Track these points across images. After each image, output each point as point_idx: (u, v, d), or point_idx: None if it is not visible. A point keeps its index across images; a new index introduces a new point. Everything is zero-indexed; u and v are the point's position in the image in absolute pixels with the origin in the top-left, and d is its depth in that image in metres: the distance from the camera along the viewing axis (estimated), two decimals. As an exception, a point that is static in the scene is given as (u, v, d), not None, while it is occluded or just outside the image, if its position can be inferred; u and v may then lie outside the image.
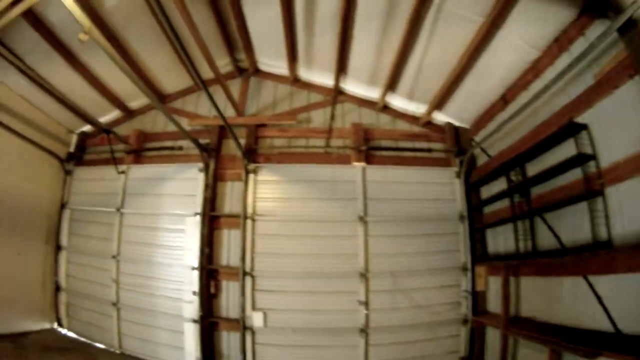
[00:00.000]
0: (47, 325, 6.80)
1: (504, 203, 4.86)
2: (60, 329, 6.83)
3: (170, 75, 6.31)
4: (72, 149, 7.07)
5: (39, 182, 6.67)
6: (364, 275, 5.26)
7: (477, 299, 5.24)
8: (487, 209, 5.39)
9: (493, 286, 5.09)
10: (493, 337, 4.99)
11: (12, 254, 6.17)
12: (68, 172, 7.01)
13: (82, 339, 6.48)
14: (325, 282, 5.31)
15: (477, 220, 5.44)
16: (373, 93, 5.88)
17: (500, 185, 4.97)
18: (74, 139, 7.18)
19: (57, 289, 6.88)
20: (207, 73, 5.73)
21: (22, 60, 4.98)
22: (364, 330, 5.17)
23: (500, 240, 5.12)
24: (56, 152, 6.81)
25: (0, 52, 4.47)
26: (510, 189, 4.53)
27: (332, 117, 4.86)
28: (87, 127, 7.14)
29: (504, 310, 4.45)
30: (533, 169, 4.23)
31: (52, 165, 6.87)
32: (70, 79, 5.71)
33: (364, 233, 5.38)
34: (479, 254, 5.36)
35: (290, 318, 5.31)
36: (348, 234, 5.40)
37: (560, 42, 3.63)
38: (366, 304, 5.23)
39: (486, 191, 5.42)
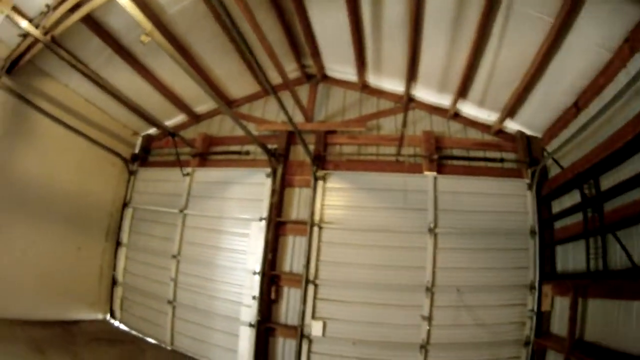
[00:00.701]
0: (99, 317, 6.98)
1: (575, 218, 4.52)
2: (112, 321, 7.01)
3: (236, 81, 6.42)
4: (136, 151, 7.34)
5: (103, 181, 6.93)
6: (430, 290, 5.03)
7: (542, 319, 4.89)
8: (558, 224, 5.04)
9: (558, 306, 4.73)
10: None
11: (73, 248, 6.40)
12: (132, 173, 7.26)
13: (134, 333, 6.61)
14: (389, 295, 5.14)
15: (547, 236, 5.11)
16: (444, 100, 5.72)
17: (572, 198, 4.64)
18: (139, 141, 7.45)
19: (114, 282, 7.07)
20: (274, 79, 5.81)
21: (85, 64, 5.15)
22: (424, 347, 4.93)
23: (570, 257, 4.77)
24: (121, 153, 7.07)
25: (64, 57, 4.61)
26: (582, 203, 4.20)
27: (404, 124, 4.74)
28: (152, 130, 7.41)
29: (570, 333, 4.10)
30: (607, 181, 3.91)
31: (116, 165, 7.13)
32: (134, 83, 5.90)
33: (432, 245, 5.16)
34: (547, 271, 5.02)
35: (350, 329, 5.15)
36: (416, 246, 5.20)
37: (632, 42, 3.36)
38: (429, 319, 4.99)
39: (558, 205, 5.07)
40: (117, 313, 6.99)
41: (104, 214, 7.04)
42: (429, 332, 4.98)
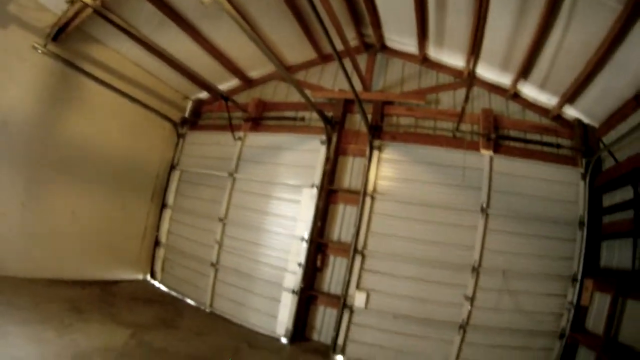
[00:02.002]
0: (139, 277, 7.20)
1: (625, 215, 4.34)
2: (152, 282, 7.21)
3: (292, 48, 6.35)
4: (186, 114, 7.44)
5: (151, 144, 7.09)
6: (476, 270, 4.91)
7: (579, 313, 4.72)
8: (607, 219, 4.84)
9: (596, 303, 4.56)
10: (583, 357, 4.48)
11: (117, 207, 6.60)
12: (181, 136, 7.37)
13: (173, 294, 6.75)
14: (435, 271, 5.05)
15: (595, 229, 4.90)
16: (504, 79, 5.48)
17: (624, 194, 4.46)
18: (189, 105, 7.56)
19: (157, 243, 7.26)
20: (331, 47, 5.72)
21: (137, 29, 5.12)
22: (463, 327, 4.85)
23: (615, 254, 4.59)
24: (171, 117, 7.18)
25: (115, 21, 4.64)
26: (635, 200, 4.02)
27: (466, 100, 4.56)
28: (203, 94, 7.48)
29: (605, 331, 3.97)
30: None
31: (165, 128, 7.27)
32: (187, 48, 5.89)
33: (483, 225, 5.00)
34: (591, 265, 4.83)
35: (393, 303, 5.11)
36: (467, 225, 5.06)
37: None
38: (472, 299, 4.90)
39: (608, 199, 4.88)
40: (158, 274, 7.20)
41: (150, 176, 7.24)
42: (469, 312, 4.90)
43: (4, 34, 4.62)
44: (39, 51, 4.82)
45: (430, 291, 5.04)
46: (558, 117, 5.45)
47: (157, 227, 7.29)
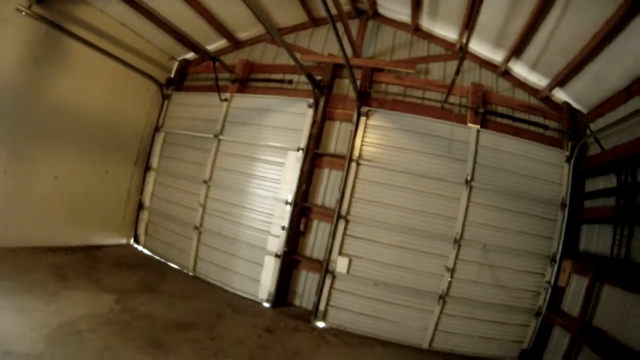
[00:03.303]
0: (123, 241, 7.16)
1: (606, 201, 4.54)
2: (136, 246, 7.18)
3: (282, 10, 6.16)
4: (172, 75, 7.22)
5: (136, 105, 6.90)
6: (457, 241, 5.04)
7: (556, 294, 4.95)
8: (588, 204, 5.03)
9: (574, 285, 4.78)
10: (558, 337, 4.71)
11: (101, 171, 6.48)
12: (166, 97, 7.18)
13: (157, 257, 6.76)
14: (418, 240, 5.15)
15: (576, 212, 5.09)
16: (496, 56, 5.48)
17: (606, 182, 4.64)
18: (175, 66, 7.32)
19: (140, 207, 7.18)
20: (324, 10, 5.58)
21: None
22: (443, 298, 5.02)
23: (594, 239, 4.79)
24: (156, 77, 6.97)
25: None
26: (617, 189, 4.19)
27: (457, 72, 4.54)
28: (189, 55, 7.25)
29: (581, 314, 4.16)
30: None
31: (150, 89, 7.06)
32: (175, 6, 5.67)
33: (466, 197, 5.12)
34: (570, 247, 5.02)
35: (374, 269, 5.21)
36: (451, 196, 5.16)
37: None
38: (452, 271, 5.05)
39: (591, 184, 5.06)
40: (142, 238, 7.16)
41: (134, 138, 7.07)
42: (450, 283, 5.07)
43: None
44: (23, 13, 4.64)
45: (412, 260, 5.16)
46: (547, 99, 5.53)
47: (141, 190, 7.20)
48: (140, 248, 7.08)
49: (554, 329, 4.84)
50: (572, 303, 4.68)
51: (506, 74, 5.63)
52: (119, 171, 6.83)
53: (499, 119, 5.43)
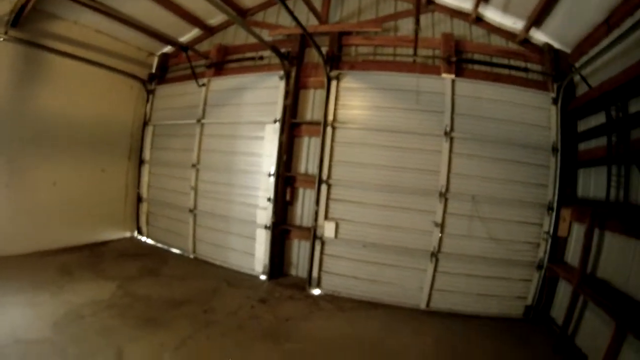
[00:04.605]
0: (127, 235, 7.48)
1: (600, 142, 4.29)
2: (139, 237, 7.49)
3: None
4: (153, 70, 7.45)
5: (122, 104, 7.18)
6: (443, 195, 4.93)
7: (558, 245, 4.73)
8: (582, 146, 4.79)
9: (576, 234, 4.53)
10: (564, 291, 4.52)
11: (97, 171, 6.79)
12: (150, 92, 7.42)
13: (159, 245, 7.05)
14: (402, 198, 5.09)
15: (570, 157, 4.85)
16: (465, 3, 5.38)
17: (598, 120, 4.39)
18: (155, 61, 7.55)
19: (139, 199, 7.48)
20: None
21: None
22: (435, 255, 4.94)
23: (591, 183, 4.56)
24: (138, 75, 7.22)
25: None
26: (607, 125, 3.96)
27: (417, 22, 4.49)
28: (167, 48, 7.46)
29: (581, 264, 3.89)
30: (635, 107, 3.64)
31: (134, 87, 7.32)
32: (142, 5, 5.84)
33: (448, 149, 5.00)
34: (568, 195, 4.79)
35: (363, 231, 5.22)
36: (431, 149, 5.06)
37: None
38: (442, 226, 4.95)
39: (583, 125, 4.81)
40: (144, 229, 7.47)
41: (125, 135, 7.37)
42: (440, 239, 4.97)
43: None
44: (0, 39, 4.93)
45: (399, 218, 5.11)
46: (526, 42, 5.32)
47: (138, 184, 7.50)
48: (143, 239, 7.40)
49: (560, 283, 4.65)
50: (575, 254, 4.38)
51: (479, 21, 5.48)
52: (114, 169, 7.15)
53: (476, 66, 5.28)
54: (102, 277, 5.03)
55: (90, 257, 5.87)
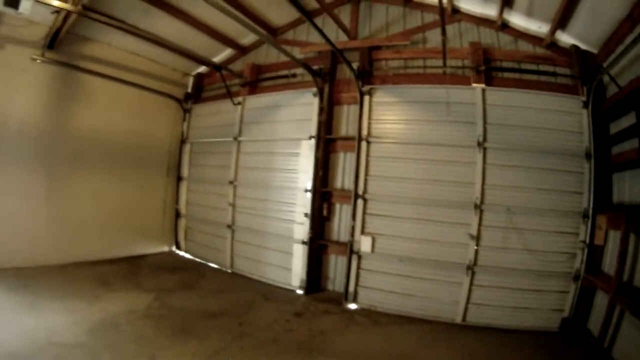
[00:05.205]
0: (165, 249, 7.77)
1: (632, 143, 4.05)
2: (177, 252, 7.76)
3: (276, 9, 6.42)
4: (189, 90, 7.81)
5: (159, 123, 7.53)
6: (478, 207, 4.83)
7: (594, 254, 4.50)
8: (615, 149, 4.56)
9: (612, 242, 4.30)
10: (601, 302, 4.28)
11: (135, 187, 7.12)
12: (186, 111, 7.77)
13: (197, 260, 7.27)
14: (437, 211, 5.04)
15: (604, 161, 4.63)
16: (489, 10, 5.31)
17: (630, 121, 4.14)
18: (190, 81, 7.91)
19: (177, 215, 7.79)
20: (313, 3, 5.75)
21: (122, 21, 5.48)
22: (471, 268, 4.80)
23: (626, 187, 4.32)
24: (174, 95, 7.56)
25: (98, 19, 5.01)
26: (636, 126, 3.76)
27: (443, 32, 4.45)
28: (202, 68, 7.80)
29: (617, 272, 3.69)
30: None
31: (170, 106, 7.67)
32: (175, 28, 6.12)
33: (481, 160, 4.91)
34: (603, 201, 4.56)
35: (398, 245, 5.19)
36: (465, 161, 5.00)
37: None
38: (477, 238, 4.82)
39: (615, 128, 4.59)
40: (182, 244, 7.76)
41: (163, 152, 7.73)
42: (476, 252, 4.84)
43: (3, 54, 5.11)
44: (38, 61, 5.31)
45: (434, 231, 5.05)
46: (553, 45, 5.19)
47: (176, 200, 7.83)
48: (181, 253, 7.68)
49: (597, 294, 4.43)
50: (612, 263, 4.15)
51: (505, 27, 5.40)
52: (152, 184, 7.50)
53: (505, 74, 5.20)
54: (139, 288, 5.21)
55: (128, 270, 6.12)
